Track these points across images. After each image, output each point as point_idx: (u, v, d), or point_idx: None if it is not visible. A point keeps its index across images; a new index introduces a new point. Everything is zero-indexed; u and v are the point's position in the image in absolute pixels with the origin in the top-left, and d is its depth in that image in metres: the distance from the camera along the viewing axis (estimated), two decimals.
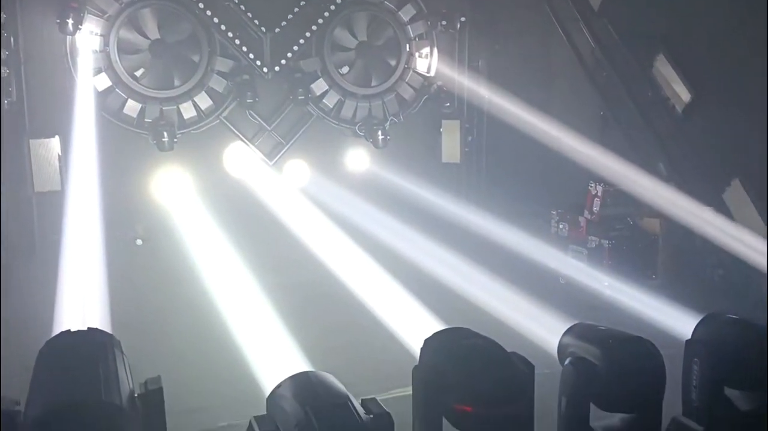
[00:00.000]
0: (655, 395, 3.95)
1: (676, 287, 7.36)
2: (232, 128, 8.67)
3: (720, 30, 7.72)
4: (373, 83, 9.03)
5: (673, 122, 8.07)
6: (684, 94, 8.06)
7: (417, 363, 3.76)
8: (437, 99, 9.42)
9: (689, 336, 4.42)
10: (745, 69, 7.60)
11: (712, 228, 7.41)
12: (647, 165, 7.95)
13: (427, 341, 3.80)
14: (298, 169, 8.83)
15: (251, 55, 8.54)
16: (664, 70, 8.20)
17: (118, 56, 7.95)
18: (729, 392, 4.32)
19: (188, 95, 8.29)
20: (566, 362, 4.00)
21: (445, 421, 3.58)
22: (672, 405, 4.28)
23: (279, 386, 3.30)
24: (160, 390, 3.34)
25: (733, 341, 4.29)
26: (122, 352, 3.64)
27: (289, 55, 8.68)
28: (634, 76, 8.31)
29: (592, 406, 3.97)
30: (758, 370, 4.21)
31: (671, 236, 7.95)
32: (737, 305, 7.10)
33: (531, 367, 3.69)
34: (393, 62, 9.08)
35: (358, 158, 9.11)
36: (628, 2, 8.32)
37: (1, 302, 6.28)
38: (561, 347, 4.23)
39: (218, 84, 8.40)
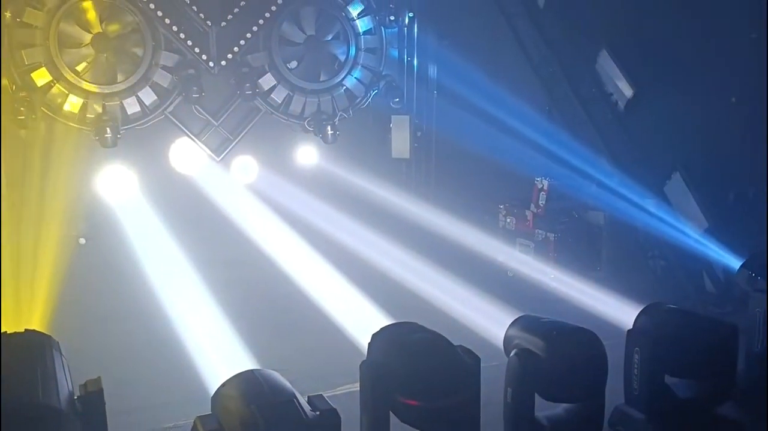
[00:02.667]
0: (597, 384, 4.05)
1: (620, 279, 7.53)
2: (178, 123, 8.52)
3: (660, 28, 7.91)
4: (321, 78, 8.97)
5: (615, 117, 8.24)
6: (626, 90, 8.24)
7: (365, 358, 3.76)
8: (386, 94, 9.42)
9: (631, 326, 4.52)
10: (684, 66, 7.80)
11: (654, 220, 7.60)
12: (591, 159, 8.11)
13: (374, 336, 3.81)
14: (246, 165, 8.73)
15: (197, 50, 8.39)
16: (607, 66, 8.37)
17: (59, 50, 7.73)
18: (669, 380, 4.44)
19: (132, 90, 8.09)
20: (511, 353, 4.06)
21: (392, 415, 3.60)
22: (615, 393, 4.38)
23: (224, 385, 3.28)
24: (101, 391, 3.29)
25: (672, 330, 4.42)
26: (61, 354, 3.56)
27: (236, 49, 8.56)
28: (578, 72, 8.45)
29: (537, 396, 4.04)
30: (696, 359, 4.34)
31: (615, 229, 8.13)
32: (678, 296, 7.31)
33: (477, 359, 3.73)
34: (342, 57, 9.04)
35: (307, 154, 9.06)
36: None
37: None
38: (506, 339, 4.29)
39: (163, 79, 8.22)
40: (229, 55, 8.55)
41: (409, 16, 9.34)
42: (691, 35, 7.74)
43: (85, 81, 7.87)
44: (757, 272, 4.99)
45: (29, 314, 5.96)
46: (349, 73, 9.09)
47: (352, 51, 9.05)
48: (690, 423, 4.33)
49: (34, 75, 7.69)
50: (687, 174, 7.89)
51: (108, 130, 7.80)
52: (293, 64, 8.83)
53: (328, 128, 8.86)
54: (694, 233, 7.43)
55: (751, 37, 7.32)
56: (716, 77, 7.61)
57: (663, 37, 7.92)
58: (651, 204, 7.65)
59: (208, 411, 3.26)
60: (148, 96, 8.20)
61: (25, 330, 3.75)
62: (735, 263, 5.38)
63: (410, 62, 9.58)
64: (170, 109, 8.39)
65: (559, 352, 4.01)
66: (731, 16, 7.55)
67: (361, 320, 5.64)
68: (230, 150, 8.75)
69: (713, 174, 7.77)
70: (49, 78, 7.76)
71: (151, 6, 8.05)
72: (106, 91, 7.98)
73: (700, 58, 7.73)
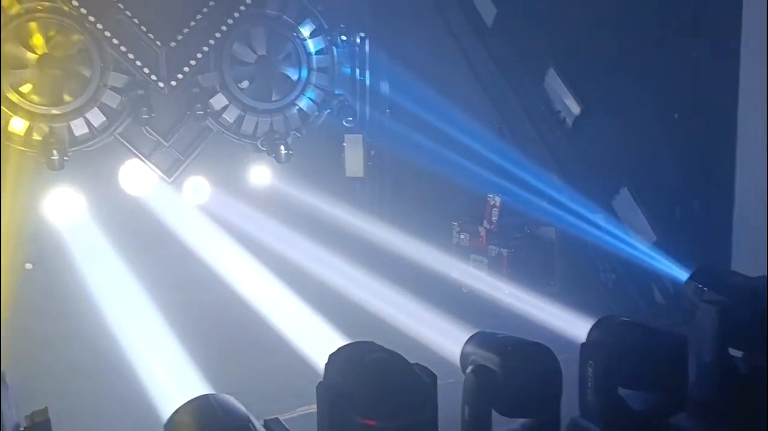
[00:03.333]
0: (553, 398, 4.07)
1: (573, 293, 7.64)
2: (127, 144, 8.40)
3: (605, 46, 8.12)
4: (274, 98, 8.96)
5: (564, 134, 8.40)
6: (574, 108, 8.41)
7: (321, 379, 3.72)
8: (339, 114, 9.44)
9: (584, 340, 4.58)
10: (629, 84, 8.01)
11: (604, 235, 7.74)
12: (542, 175, 8.24)
13: (331, 356, 3.77)
14: (198, 186, 8.63)
15: (146, 70, 8.30)
16: (555, 84, 8.54)
17: (3, 71, 7.55)
18: (622, 392, 4.49)
19: (80, 112, 7.97)
20: (468, 370, 4.06)
21: None
22: (570, 407, 4.42)
23: (177, 411, 3.20)
24: (48, 422, 3.18)
25: (624, 343, 4.48)
26: (6, 384, 3.44)
27: (186, 69, 8.49)
28: (526, 90, 8.60)
29: (495, 412, 4.05)
30: (648, 370, 4.40)
31: (566, 244, 8.26)
32: (629, 308, 7.45)
33: (434, 377, 3.72)
34: (293, 77, 9.05)
35: (260, 174, 9.00)
36: (519, 19, 8.63)
37: None
38: (463, 356, 4.29)
39: (112, 100, 8.13)
40: (180, 76, 8.47)
41: (360, 36, 9.40)
42: (635, 54, 7.96)
43: (31, 102, 7.71)
44: (704, 284, 5.10)
45: None
46: (301, 92, 9.09)
47: (304, 71, 9.07)
48: None
49: None
50: (634, 189, 8.07)
51: (55, 152, 7.64)
52: (245, 84, 8.80)
53: (281, 147, 8.83)
54: (642, 247, 7.59)
55: (692, 55, 7.57)
56: (660, 94, 7.83)
57: (608, 56, 8.12)
58: (600, 219, 7.79)
59: None
60: (97, 117, 8.08)
61: None
62: (683, 275, 5.50)
63: (362, 82, 9.63)
64: (119, 130, 8.28)
65: (514, 368, 4.01)
66: (674, 36, 7.80)
67: (317, 341, 5.61)
68: (182, 171, 8.65)
69: (659, 188, 7.97)
70: None
71: (99, 26, 7.95)
72: (53, 112, 7.84)
73: (644, 75, 7.95)
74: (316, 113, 9.27)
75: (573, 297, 7.23)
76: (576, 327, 5.09)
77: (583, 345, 4.50)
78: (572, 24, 8.30)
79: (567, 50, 8.45)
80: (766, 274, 5.99)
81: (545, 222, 8.39)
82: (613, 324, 4.64)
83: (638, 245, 7.59)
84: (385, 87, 9.67)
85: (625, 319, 4.86)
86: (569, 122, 8.51)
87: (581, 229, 7.80)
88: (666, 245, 7.53)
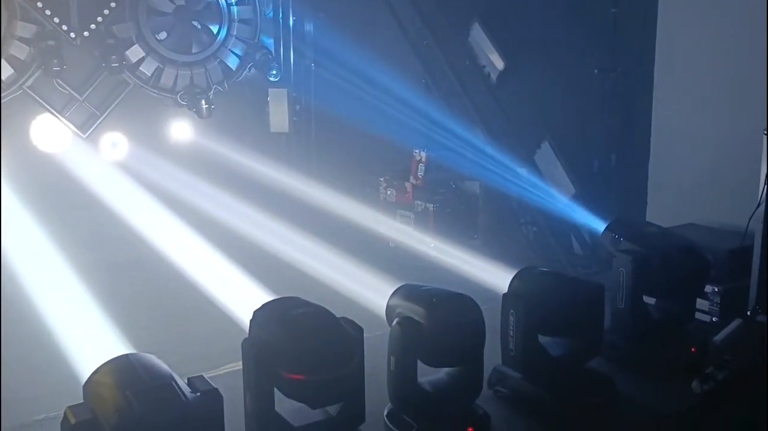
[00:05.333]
0: (476, 347, 4.20)
1: (495, 245, 7.81)
2: (38, 98, 8.03)
3: (527, 1, 8.18)
4: (193, 50, 8.68)
5: (488, 89, 8.47)
6: (498, 63, 8.48)
7: (247, 335, 3.71)
8: (263, 67, 9.23)
9: (506, 290, 4.71)
10: (551, 39, 8.11)
11: (526, 188, 7.91)
12: (466, 130, 8.31)
13: (256, 313, 3.77)
14: (115, 141, 8.35)
15: (56, 20, 7.90)
16: (480, 39, 8.57)
17: None
18: (542, 339, 4.66)
19: None
20: (394, 322, 4.13)
21: (277, 391, 3.58)
22: (493, 355, 4.56)
23: (96, 371, 3.14)
24: None
25: (544, 292, 4.64)
26: None
27: (100, 19, 8.12)
28: (452, 45, 8.61)
29: (420, 363, 4.14)
30: (567, 318, 4.58)
31: (490, 198, 8.40)
32: (549, 259, 7.68)
33: (360, 330, 3.77)
34: (215, 28, 8.78)
35: (181, 129, 8.76)
36: None
37: None
38: (389, 308, 4.36)
39: (20, 51, 7.72)
40: (93, 26, 8.11)
41: None
42: (556, 9, 8.04)
43: None
44: (619, 234, 5.30)
45: None
46: (222, 44, 8.84)
47: (225, 22, 8.81)
48: (562, 379, 4.56)
49: None
50: (555, 143, 8.25)
51: None
52: (163, 35, 8.50)
53: (203, 101, 8.61)
54: (562, 200, 7.79)
55: (611, 11, 7.70)
56: (580, 50, 7.97)
57: (530, 11, 8.19)
58: (523, 173, 7.95)
59: (81, 400, 3.12)
60: (5, 70, 7.68)
61: None
62: (600, 226, 5.70)
63: (286, 34, 9.43)
64: (29, 83, 7.90)
65: (438, 318, 4.11)
66: None
67: (243, 298, 5.54)
68: (97, 126, 8.35)
69: (579, 142, 8.17)
70: None
71: None
72: None
73: (565, 31, 8.05)
74: (239, 66, 9.04)
75: (495, 249, 7.38)
76: (498, 277, 5.20)
77: (504, 295, 4.63)
78: None
79: (491, 4, 8.48)
80: (678, 225, 6.26)
81: (470, 177, 8.50)
82: (533, 274, 4.79)
83: (558, 198, 7.78)
84: (309, 40, 9.51)
85: (544, 269, 5.03)
86: (494, 77, 8.58)
87: (504, 183, 7.94)
88: (584, 198, 7.75)
